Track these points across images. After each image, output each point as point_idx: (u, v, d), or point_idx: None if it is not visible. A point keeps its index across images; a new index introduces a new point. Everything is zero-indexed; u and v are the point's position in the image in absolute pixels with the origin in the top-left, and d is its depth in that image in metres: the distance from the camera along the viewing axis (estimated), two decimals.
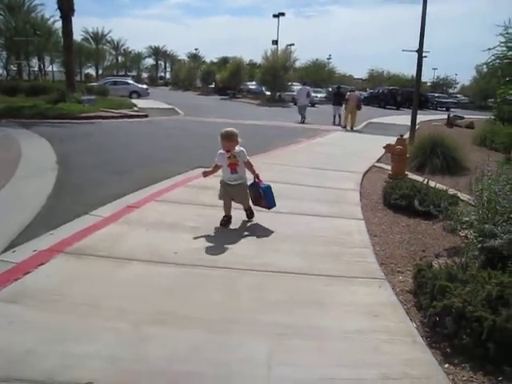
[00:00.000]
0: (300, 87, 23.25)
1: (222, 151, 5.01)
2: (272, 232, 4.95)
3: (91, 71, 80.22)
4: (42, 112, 18.05)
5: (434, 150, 9.34)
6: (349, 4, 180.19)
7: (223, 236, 4.76)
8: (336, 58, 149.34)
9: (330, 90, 40.26)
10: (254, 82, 48.50)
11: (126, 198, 6.21)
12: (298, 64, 46.85)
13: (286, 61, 39.28)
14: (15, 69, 42.03)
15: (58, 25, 44.09)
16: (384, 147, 8.65)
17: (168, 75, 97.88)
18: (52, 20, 44.33)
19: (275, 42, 45.53)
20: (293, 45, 43.75)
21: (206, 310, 3.20)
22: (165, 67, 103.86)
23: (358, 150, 12.44)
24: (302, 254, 4.34)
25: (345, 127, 19.20)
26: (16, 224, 5.17)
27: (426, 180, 6.84)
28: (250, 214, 5.28)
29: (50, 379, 2.42)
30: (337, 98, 21.55)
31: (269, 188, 5.19)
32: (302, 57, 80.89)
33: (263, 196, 5.16)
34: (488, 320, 2.80)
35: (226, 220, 5.09)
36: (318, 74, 56.82)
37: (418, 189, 6.31)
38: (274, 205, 5.26)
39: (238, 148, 5.01)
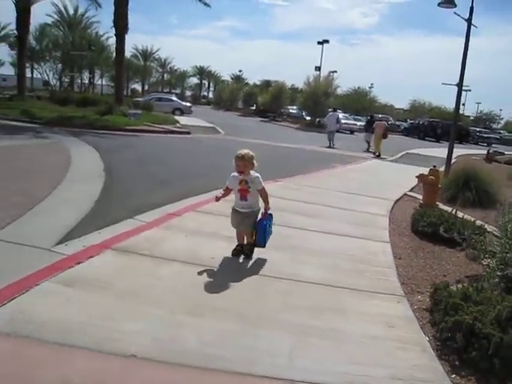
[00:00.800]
0: (330, 113, 23.90)
1: (234, 173, 4.60)
2: (301, 247, 5.26)
3: (137, 86, 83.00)
4: (90, 122, 19.09)
5: (466, 183, 9.46)
6: (393, 33, 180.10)
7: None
8: (378, 88, 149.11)
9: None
10: (294, 107, 49.25)
11: (167, 206, 6.65)
12: (339, 91, 47.44)
13: (328, 87, 39.85)
14: (67, 80, 44.10)
15: (111, 41, 46.63)
16: (417, 176, 8.85)
17: (211, 94, 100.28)
18: (105, 36, 47.01)
19: (318, 69, 46.30)
20: (335, 72, 44.48)
21: (237, 307, 3.56)
22: (208, 86, 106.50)
23: (391, 178, 12.66)
24: (329, 267, 4.67)
25: (375, 154, 19.77)
26: (67, 222, 5.64)
27: (455, 210, 7.02)
28: (247, 250, 4.73)
29: (98, 348, 2.81)
30: (369, 126, 22.45)
31: (264, 226, 4.64)
32: (344, 84, 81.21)
33: (257, 231, 4.66)
34: (495, 337, 3.03)
35: (238, 250, 4.75)
36: (360, 103, 57.05)
37: (446, 218, 6.51)
38: (263, 245, 4.70)
39: (253, 173, 4.58)
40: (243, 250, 4.72)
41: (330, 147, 21.34)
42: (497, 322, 3.21)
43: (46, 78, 39.88)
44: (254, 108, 57.86)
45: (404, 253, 5.61)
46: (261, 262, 4.63)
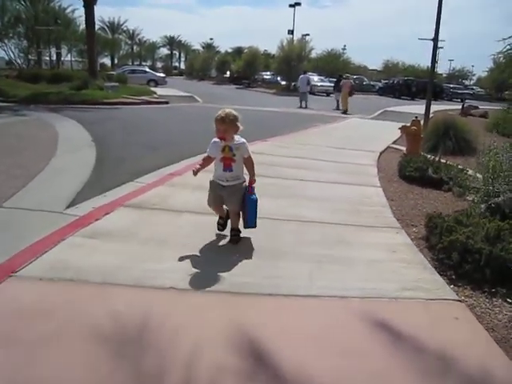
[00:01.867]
0: (301, 76, 24.85)
1: (215, 139, 3.84)
2: (302, 194, 5.63)
3: (106, 61, 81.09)
4: (66, 98, 18.82)
5: (446, 133, 9.91)
6: None
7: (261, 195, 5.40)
8: (351, 50, 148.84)
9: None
10: (268, 72, 49.02)
11: (163, 169, 6.87)
12: (313, 54, 47.30)
13: (302, 50, 39.77)
14: (34, 58, 42.80)
15: (77, 14, 45.14)
16: (399, 128, 9.24)
17: (183, 65, 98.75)
18: (71, 9, 45.57)
19: (291, 32, 46.10)
20: (308, 35, 44.31)
21: (254, 245, 3.92)
22: (179, 57, 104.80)
23: (373, 133, 13.08)
24: (329, 209, 5.06)
25: (344, 111, 21.09)
26: (71, 189, 5.82)
27: (439, 156, 7.43)
28: (235, 235, 4.03)
29: (138, 284, 3.11)
30: (337, 86, 23.83)
31: (255, 202, 3.94)
32: (317, 47, 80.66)
33: (245, 208, 3.99)
34: (486, 250, 3.45)
35: (223, 222, 4.17)
36: (333, 65, 56.99)
37: (431, 163, 6.93)
38: (254, 225, 4.01)
39: (237, 138, 3.87)
40: (230, 233, 4.07)
41: (301, 107, 22.47)
42: (486, 239, 3.63)
43: (12, 56, 38.56)
44: (228, 76, 57.33)
45: (395, 195, 6.01)
46: (266, 207, 4.92)
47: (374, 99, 36.49)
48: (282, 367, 2.30)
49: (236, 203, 3.92)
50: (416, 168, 6.74)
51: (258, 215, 3.96)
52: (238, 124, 3.81)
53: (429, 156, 8.55)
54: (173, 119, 15.25)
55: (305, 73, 25.63)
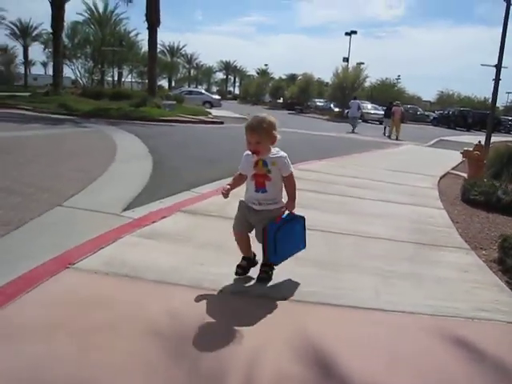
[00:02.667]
0: (352, 101, 25.73)
1: (248, 152, 3.10)
2: (361, 212, 5.44)
3: (164, 82, 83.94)
4: (126, 113, 19.54)
5: (510, 159, 9.39)
6: (419, 25, 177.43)
7: (321, 210, 5.26)
8: (405, 80, 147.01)
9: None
10: (321, 99, 49.08)
11: (218, 182, 6.81)
12: (367, 83, 47.11)
13: (357, 78, 39.64)
14: (97, 78, 44.93)
15: (140, 37, 47.20)
16: (461, 152, 8.87)
17: (237, 90, 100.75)
18: (134, 32, 47.89)
19: (346, 60, 45.95)
20: (363, 63, 44.13)
21: (314, 256, 3.72)
22: (234, 82, 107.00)
23: (430, 159, 12.71)
24: (392, 227, 4.84)
25: (389, 137, 21.92)
26: (128, 194, 5.86)
27: (505, 181, 7.03)
28: (264, 271, 3.20)
29: (195, 285, 3.01)
30: (388, 112, 24.14)
31: (273, 230, 3.03)
32: (371, 76, 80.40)
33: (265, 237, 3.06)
34: None
35: (245, 265, 3.24)
36: (387, 94, 56.46)
37: (497, 188, 6.54)
38: (276, 261, 3.18)
39: (275, 151, 3.08)
40: (251, 265, 3.30)
41: (352, 132, 22.94)
42: None
43: (78, 74, 40.81)
44: (281, 101, 57.84)
45: (459, 218, 5.69)
46: (326, 221, 4.78)
47: (429, 129, 35.70)
48: (351, 379, 2.10)
49: (260, 231, 3.04)
50: (481, 192, 6.39)
51: (306, 236, 3.31)
52: (275, 133, 3.00)
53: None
54: (227, 138, 15.37)
55: (355, 98, 26.22)
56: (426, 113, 53.27)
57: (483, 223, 5.55)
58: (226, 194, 3.06)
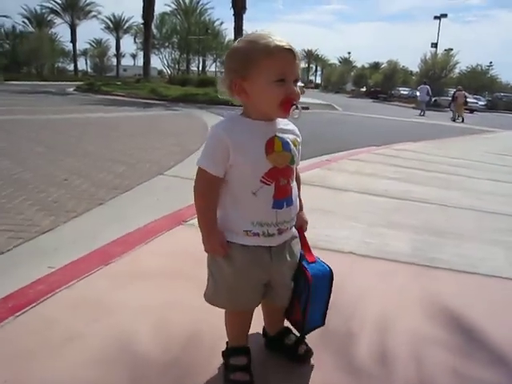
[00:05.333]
0: (421, 86, 26.86)
1: (233, 115, 1.48)
2: (474, 189, 5.13)
3: None
4: (212, 98, 19.92)
5: None
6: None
7: (431, 186, 5.01)
8: (498, 66, 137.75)
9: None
10: (406, 88, 47.21)
11: (319, 158, 6.66)
12: (456, 70, 44.62)
13: (446, 64, 37.63)
14: (182, 68, 46.29)
15: (224, 26, 47.96)
16: None
17: (318, 79, 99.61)
18: (219, 22, 48.91)
19: (435, 45, 43.74)
20: (452, 49, 41.80)
21: (425, 225, 3.52)
22: (316, 70, 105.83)
23: None
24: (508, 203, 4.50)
25: (454, 120, 22.33)
26: None
27: None
28: (307, 350, 1.72)
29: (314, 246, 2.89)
30: (453, 97, 25.05)
31: (328, 279, 1.63)
32: (461, 63, 76.40)
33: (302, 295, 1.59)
34: None
35: (248, 362, 1.59)
36: (479, 81, 53.20)
37: None
38: (321, 323, 1.68)
39: (289, 123, 1.55)
40: (287, 345, 1.72)
41: (420, 115, 23.68)
42: None
43: (166, 63, 42.33)
44: (364, 90, 56.42)
45: None
46: (431, 196, 4.54)
47: None
48: (496, 346, 1.90)
49: (289, 288, 1.60)
50: None
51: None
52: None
53: None
54: (314, 122, 15.17)
55: (425, 83, 27.17)
56: None
57: None
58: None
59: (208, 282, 1.54)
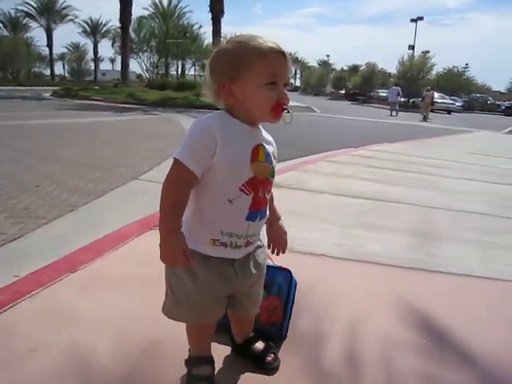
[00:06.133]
0: (393, 87, 28.16)
1: (213, 115, 1.34)
2: (449, 188, 5.20)
3: None
4: (190, 102, 19.90)
5: None
6: (488, 11, 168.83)
7: (406, 186, 5.05)
8: (474, 68, 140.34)
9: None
10: (385, 90, 47.73)
11: (296, 160, 6.66)
12: (433, 71, 45.24)
13: (424, 65, 38.20)
14: (161, 72, 46.10)
15: (202, 30, 47.93)
16: None
17: (297, 82, 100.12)
18: (198, 25, 48.79)
19: (412, 47, 44.18)
20: (428, 52, 42.40)
21: (407, 227, 3.53)
22: (295, 73, 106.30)
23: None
24: (484, 203, 4.60)
25: (425, 120, 23.17)
26: None
27: None
28: (275, 358, 1.67)
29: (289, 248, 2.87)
30: (422, 98, 26.49)
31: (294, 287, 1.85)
32: (438, 65, 77.73)
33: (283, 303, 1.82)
34: None
35: (209, 375, 1.51)
36: (455, 83, 54.13)
37: None
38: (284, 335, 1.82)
39: (268, 134, 1.48)
40: (255, 353, 1.67)
41: (392, 115, 25.10)
42: None
43: (144, 67, 42.15)
44: (343, 92, 56.87)
45: None
46: (408, 196, 4.57)
47: (501, 119, 33.75)
48: (464, 348, 1.89)
49: (261, 294, 1.60)
50: None
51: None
52: None
53: None
54: (295, 123, 15.22)
55: (396, 85, 29.00)
56: (498, 102, 50.53)
57: None
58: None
59: (166, 295, 1.45)
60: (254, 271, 1.45)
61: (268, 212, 1.46)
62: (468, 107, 41.19)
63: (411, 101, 38.22)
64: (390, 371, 1.69)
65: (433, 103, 26.77)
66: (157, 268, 2.41)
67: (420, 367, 1.73)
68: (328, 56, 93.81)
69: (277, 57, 1.28)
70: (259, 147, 1.34)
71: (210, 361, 1.53)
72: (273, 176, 1.41)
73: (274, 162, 1.41)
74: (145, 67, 42.45)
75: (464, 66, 63.17)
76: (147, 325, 1.86)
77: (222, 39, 1.39)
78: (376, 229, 3.43)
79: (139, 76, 58.63)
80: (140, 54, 41.21)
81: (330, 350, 1.79)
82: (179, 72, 50.63)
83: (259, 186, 1.34)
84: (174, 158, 1.27)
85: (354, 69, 70.99)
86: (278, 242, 1.59)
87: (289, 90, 1.35)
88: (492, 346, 1.91)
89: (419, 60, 39.38)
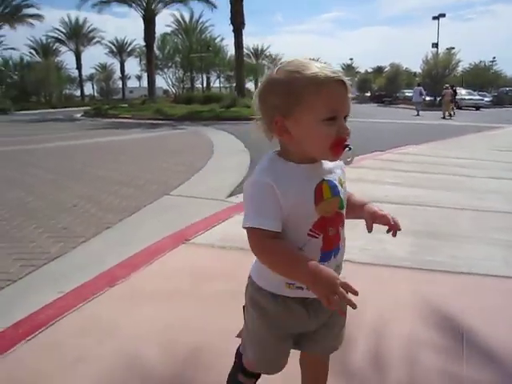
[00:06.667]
0: (415, 88, 28.40)
1: (269, 158, 1.23)
2: (479, 188, 5.22)
3: (250, 85, 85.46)
4: (217, 115, 20.24)
5: None
6: None
7: (421, 185, 5.08)
8: (502, 61, 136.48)
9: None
10: (411, 90, 47.19)
11: None
12: (459, 67, 44.43)
13: (449, 63, 37.56)
14: (187, 86, 46.79)
15: (225, 42, 48.50)
16: None
17: None
18: (220, 38, 49.53)
19: (435, 45, 43.52)
20: (453, 48, 41.69)
21: (429, 229, 3.57)
22: None
23: None
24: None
25: (443, 117, 22.98)
26: (230, 182, 5.99)
27: None
28: None
29: None
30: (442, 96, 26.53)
31: None
32: (464, 61, 76.16)
33: None
34: None
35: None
36: (482, 78, 53.00)
37: None
38: None
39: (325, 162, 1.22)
40: None
41: (417, 115, 24.85)
42: None
43: (170, 83, 42.89)
44: (368, 94, 56.40)
45: None
46: (432, 198, 4.61)
47: None
48: (489, 347, 1.95)
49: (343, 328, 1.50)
50: None
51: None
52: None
53: None
54: None
55: (418, 85, 28.60)
56: None
57: None
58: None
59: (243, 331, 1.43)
60: (315, 319, 1.30)
61: (343, 245, 1.29)
62: (497, 102, 40.15)
63: (438, 99, 37.64)
64: (414, 372, 1.77)
65: (453, 101, 25.90)
66: (187, 280, 2.59)
67: (444, 368, 1.79)
68: (351, 59, 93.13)
69: (336, 87, 1.10)
70: (322, 184, 1.18)
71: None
72: (342, 207, 1.24)
73: (341, 190, 1.22)
74: (171, 82, 43.17)
75: (491, 59, 61.97)
76: (185, 336, 2.00)
77: (267, 68, 1.36)
78: (399, 233, 3.48)
79: (166, 91, 59.63)
80: (165, 69, 41.97)
81: (356, 352, 1.88)
82: (204, 85, 51.36)
83: (327, 225, 1.20)
84: (247, 228, 1.15)
85: (379, 70, 70.36)
86: (382, 221, 1.34)
87: None
88: None
89: (444, 57, 38.68)
